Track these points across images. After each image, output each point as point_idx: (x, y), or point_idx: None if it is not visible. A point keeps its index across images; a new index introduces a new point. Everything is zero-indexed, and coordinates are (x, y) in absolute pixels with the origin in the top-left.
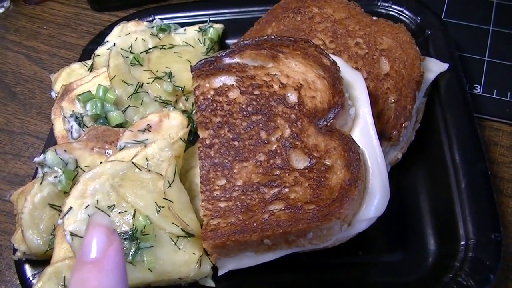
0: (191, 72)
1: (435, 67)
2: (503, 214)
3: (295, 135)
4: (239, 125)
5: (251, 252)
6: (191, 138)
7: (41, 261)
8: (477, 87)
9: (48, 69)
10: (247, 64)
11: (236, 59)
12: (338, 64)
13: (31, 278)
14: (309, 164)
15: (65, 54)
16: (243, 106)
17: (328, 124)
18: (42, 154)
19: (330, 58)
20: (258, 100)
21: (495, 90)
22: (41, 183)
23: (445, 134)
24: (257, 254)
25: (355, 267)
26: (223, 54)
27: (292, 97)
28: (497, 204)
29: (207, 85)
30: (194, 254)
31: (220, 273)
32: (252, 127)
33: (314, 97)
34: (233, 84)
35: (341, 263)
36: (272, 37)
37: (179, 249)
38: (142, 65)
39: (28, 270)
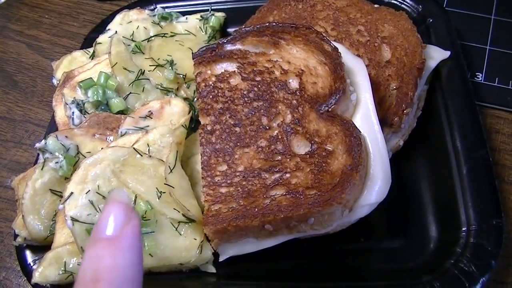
0: (193, 59)
1: (436, 55)
2: (505, 201)
3: (297, 120)
4: (241, 111)
5: (252, 238)
6: (193, 126)
7: (42, 246)
8: (478, 75)
9: (50, 57)
10: (249, 51)
11: (238, 46)
12: (339, 51)
13: (32, 264)
14: (310, 150)
15: (67, 43)
16: (245, 92)
17: (330, 109)
18: (43, 140)
19: (331, 44)
20: (259, 86)
21: (496, 79)
22: (42, 169)
23: (447, 121)
24: (258, 239)
25: (357, 253)
26: (225, 41)
27: (294, 83)
28: (499, 190)
29: (209, 71)
30: (195, 239)
31: (221, 259)
32: (253, 113)
33: (315, 83)
34: (234, 71)
35: (342, 250)
36: (274, 23)
37: (180, 234)
38: (143, 53)
39: (29, 255)
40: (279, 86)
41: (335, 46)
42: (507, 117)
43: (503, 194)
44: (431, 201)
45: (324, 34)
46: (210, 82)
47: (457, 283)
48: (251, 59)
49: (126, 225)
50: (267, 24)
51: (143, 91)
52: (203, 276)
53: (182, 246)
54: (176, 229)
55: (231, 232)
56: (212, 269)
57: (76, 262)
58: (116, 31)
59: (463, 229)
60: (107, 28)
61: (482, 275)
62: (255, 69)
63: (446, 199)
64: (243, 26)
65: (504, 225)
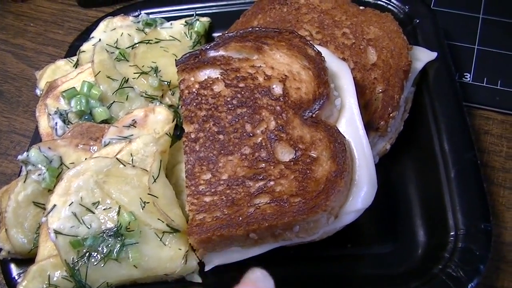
0: (176, 66)
1: (423, 56)
2: (494, 204)
3: (280, 127)
4: (224, 118)
5: (237, 247)
6: (178, 133)
7: (27, 260)
8: (467, 75)
9: (35, 66)
10: (232, 57)
11: (221, 52)
12: (323, 55)
13: (16, 277)
14: (294, 156)
15: (52, 51)
16: (228, 99)
17: (314, 115)
18: (25, 152)
19: (315, 48)
20: (243, 92)
21: (485, 78)
22: (24, 181)
23: (434, 123)
24: (244, 248)
25: (344, 259)
26: (208, 47)
27: (277, 89)
28: (488, 193)
29: (192, 78)
30: (180, 249)
31: (207, 268)
32: (237, 120)
33: (299, 88)
34: (217, 77)
35: (329, 256)
36: (257, 28)
37: (165, 245)
38: (128, 60)
39: (14, 269)
40: (263, 92)
41: (318, 50)
42: (496, 118)
43: (492, 196)
44: (419, 205)
45: (307, 39)
46: (194, 89)
47: None
48: (234, 65)
49: None
50: (250, 29)
51: (127, 99)
52: (189, 286)
53: (167, 257)
54: (161, 240)
55: (216, 241)
56: (198, 279)
57: (60, 275)
58: (100, 39)
59: (451, 233)
60: (91, 36)
61: (470, 280)
62: (238, 75)
63: (434, 203)
64: (226, 32)
65: (493, 228)
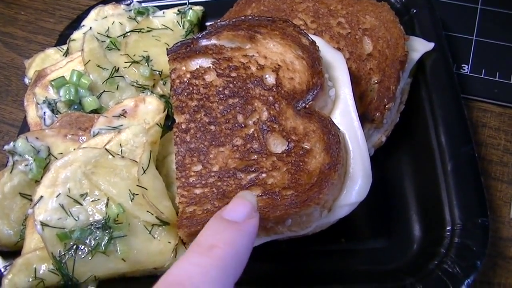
0: (167, 55)
1: (420, 47)
2: (492, 198)
3: (273, 118)
4: (216, 108)
5: None
6: (169, 123)
7: (13, 252)
8: (464, 67)
9: (25, 55)
10: (224, 46)
11: (213, 41)
12: (317, 44)
13: (2, 270)
14: (287, 148)
15: (42, 40)
16: (220, 89)
17: (307, 106)
18: (12, 142)
19: (309, 38)
20: (235, 82)
21: (483, 70)
22: (11, 172)
23: (431, 115)
24: None
25: (338, 254)
26: (200, 36)
27: (270, 79)
28: (485, 187)
29: (184, 68)
30: (170, 243)
31: None
32: (229, 110)
33: (292, 78)
34: (209, 67)
35: (323, 251)
36: (250, 17)
37: (154, 238)
38: (119, 49)
39: (0, 262)
40: (255, 82)
41: (312, 39)
42: (494, 110)
43: (490, 190)
44: (415, 199)
45: (301, 28)
46: (185, 79)
47: (440, 285)
48: (227, 54)
49: (249, 219)
50: (243, 17)
51: (117, 89)
52: None
53: (156, 250)
54: (150, 232)
55: None
56: None
57: (46, 268)
58: (90, 27)
59: (448, 228)
60: (82, 24)
61: (466, 276)
62: (230, 64)
63: (430, 197)
64: (219, 20)
65: (490, 223)
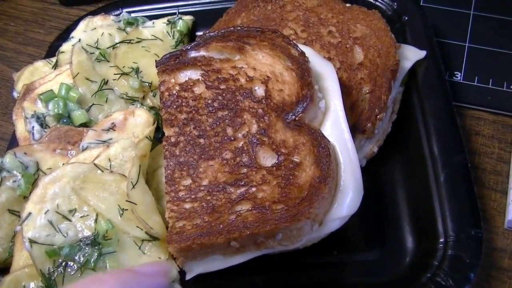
0: (156, 67)
1: (411, 55)
2: (485, 208)
3: (263, 130)
4: (205, 121)
5: (219, 255)
6: (160, 136)
7: (2, 269)
8: (457, 74)
9: (15, 67)
10: (213, 57)
11: (202, 52)
12: (307, 55)
13: None
14: (277, 161)
15: (32, 52)
16: (209, 102)
17: (297, 118)
18: (0, 158)
19: (298, 48)
20: (224, 94)
21: (476, 77)
22: None
23: (423, 125)
24: (226, 256)
25: (330, 267)
26: (188, 47)
27: (259, 91)
28: (478, 197)
29: (173, 80)
30: (160, 258)
31: (188, 277)
32: (218, 123)
33: (282, 90)
34: (198, 79)
35: (315, 263)
36: (239, 28)
37: (144, 253)
38: (108, 61)
39: None
40: (245, 94)
41: (302, 50)
42: (488, 118)
43: (483, 200)
44: (407, 210)
45: (290, 38)
46: (174, 91)
47: None
48: (216, 66)
49: None
50: (232, 28)
51: (106, 101)
52: None
53: None
54: (140, 248)
55: (196, 250)
56: None
57: (35, 286)
58: (79, 39)
59: (441, 240)
60: (71, 36)
61: None
62: (219, 76)
63: (423, 209)
64: (208, 31)
65: (483, 234)
